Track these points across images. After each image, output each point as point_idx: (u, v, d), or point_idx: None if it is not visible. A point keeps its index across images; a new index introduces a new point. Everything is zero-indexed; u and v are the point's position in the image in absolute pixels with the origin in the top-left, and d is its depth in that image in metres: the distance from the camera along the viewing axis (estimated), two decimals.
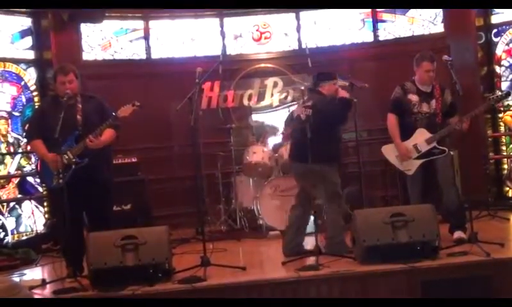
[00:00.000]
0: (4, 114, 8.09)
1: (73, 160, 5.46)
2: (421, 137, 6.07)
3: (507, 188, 8.56)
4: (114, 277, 4.97)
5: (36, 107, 8.16)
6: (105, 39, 9.08)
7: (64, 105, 5.38)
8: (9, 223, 7.92)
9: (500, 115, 8.68)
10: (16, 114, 8.20)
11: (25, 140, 7.97)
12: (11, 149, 8.16)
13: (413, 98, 6.12)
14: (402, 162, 6.15)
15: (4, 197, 7.98)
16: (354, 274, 5.01)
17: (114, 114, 5.58)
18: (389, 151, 6.27)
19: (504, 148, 8.71)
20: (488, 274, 4.92)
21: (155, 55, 9.29)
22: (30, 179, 8.22)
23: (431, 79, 6.12)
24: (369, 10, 9.29)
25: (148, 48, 9.26)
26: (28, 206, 8.07)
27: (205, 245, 5.36)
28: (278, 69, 9.29)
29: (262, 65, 9.35)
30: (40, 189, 8.18)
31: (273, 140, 8.22)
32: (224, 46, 9.42)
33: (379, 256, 5.12)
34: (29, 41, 8.41)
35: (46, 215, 8.21)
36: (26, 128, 7.52)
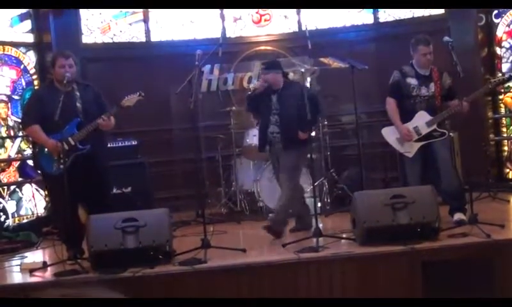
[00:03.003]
0: (4, 98, 8.06)
1: (76, 146, 5.46)
2: (421, 120, 6.06)
3: (508, 170, 8.55)
4: (115, 259, 4.98)
5: (32, 92, 8.12)
6: (104, 23, 9.05)
7: (62, 88, 5.38)
8: (10, 206, 7.93)
9: (501, 97, 8.64)
10: (16, 97, 8.17)
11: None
12: (11, 133, 8.15)
13: (412, 81, 6.11)
14: (403, 144, 6.15)
15: (5, 180, 7.99)
16: (354, 256, 5.02)
17: (118, 103, 5.58)
18: (389, 133, 6.25)
19: (504, 129, 8.69)
20: (488, 255, 4.94)
21: (154, 38, 9.25)
22: (30, 162, 8.21)
23: (428, 62, 6.11)
24: None
25: (147, 31, 9.21)
26: (29, 189, 8.07)
27: (206, 227, 5.37)
28: (277, 51, 9.22)
29: (262, 48, 9.30)
30: None
31: None
32: (224, 28, 9.36)
33: (379, 237, 5.12)
34: (28, 24, 8.37)
35: (46, 198, 8.21)
36: (22, 114, 7.47)
